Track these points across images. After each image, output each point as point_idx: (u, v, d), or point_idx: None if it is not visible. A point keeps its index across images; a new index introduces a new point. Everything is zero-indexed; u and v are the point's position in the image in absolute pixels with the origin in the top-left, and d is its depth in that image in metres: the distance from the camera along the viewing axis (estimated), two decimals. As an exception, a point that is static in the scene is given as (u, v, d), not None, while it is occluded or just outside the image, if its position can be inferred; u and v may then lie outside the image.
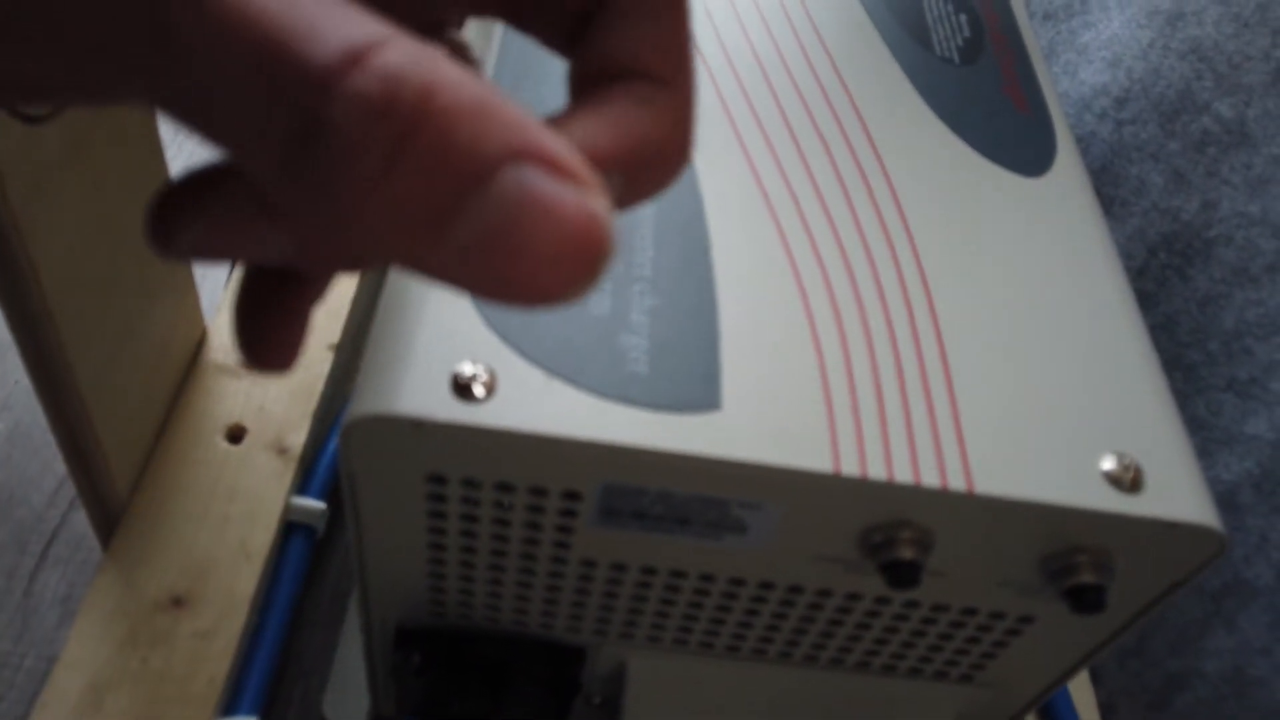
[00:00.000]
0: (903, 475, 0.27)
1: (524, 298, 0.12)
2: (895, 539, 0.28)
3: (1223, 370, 0.43)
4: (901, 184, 0.35)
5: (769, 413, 0.27)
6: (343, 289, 0.57)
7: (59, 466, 0.55)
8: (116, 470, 0.45)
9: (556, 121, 0.15)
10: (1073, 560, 0.29)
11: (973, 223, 0.34)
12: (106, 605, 0.44)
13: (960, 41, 0.41)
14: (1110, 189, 0.52)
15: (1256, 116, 0.43)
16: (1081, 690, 0.49)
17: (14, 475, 0.55)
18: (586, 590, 0.32)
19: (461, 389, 0.26)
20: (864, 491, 0.27)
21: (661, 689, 0.36)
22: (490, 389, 0.27)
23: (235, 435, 0.50)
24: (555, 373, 0.27)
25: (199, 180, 0.15)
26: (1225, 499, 0.42)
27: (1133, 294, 0.33)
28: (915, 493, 0.27)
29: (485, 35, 0.37)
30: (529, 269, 0.12)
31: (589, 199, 0.12)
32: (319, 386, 0.53)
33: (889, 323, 0.30)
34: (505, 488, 0.28)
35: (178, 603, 0.44)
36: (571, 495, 0.28)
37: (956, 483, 0.27)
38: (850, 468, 0.27)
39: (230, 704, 0.43)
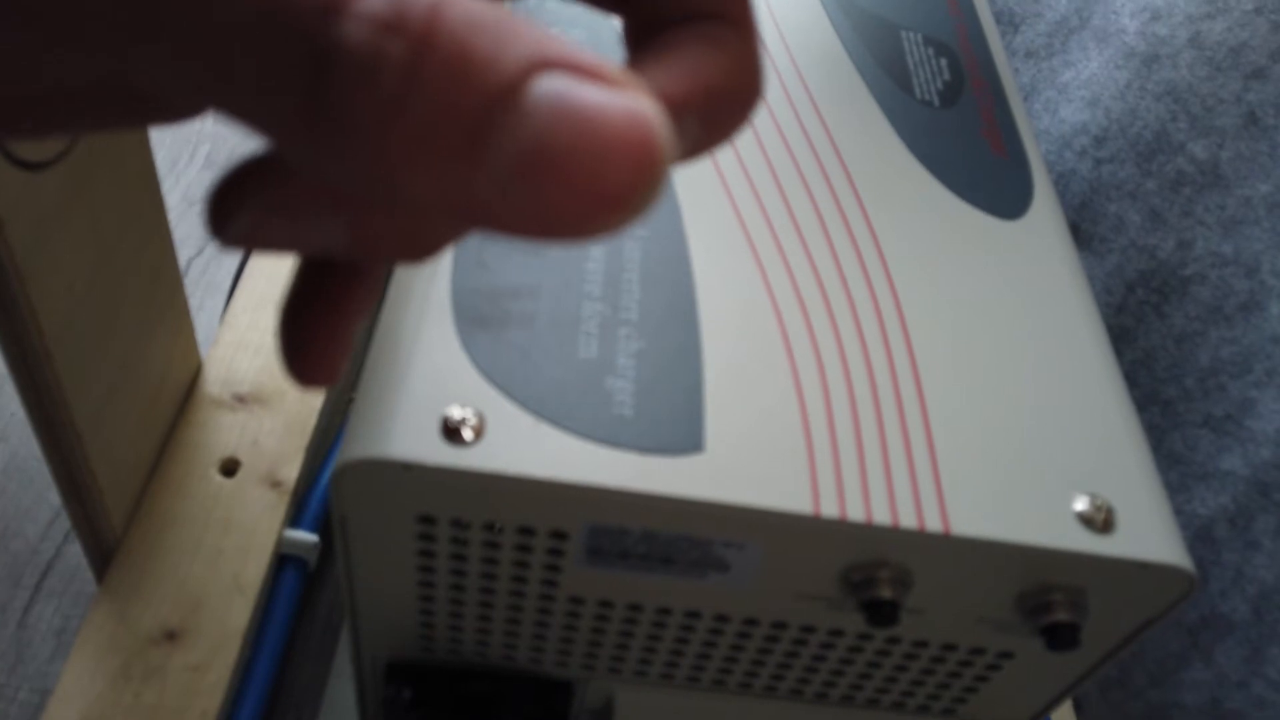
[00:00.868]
0: (881, 517, 0.28)
1: (577, 224, 0.11)
2: (874, 578, 0.29)
3: (1199, 406, 0.44)
4: (882, 228, 0.36)
5: (751, 455, 0.28)
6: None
7: (54, 498, 0.55)
8: (111, 504, 0.45)
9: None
10: (1048, 598, 0.29)
11: (951, 266, 0.35)
12: (100, 639, 0.44)
13: (940, 85, 0.42)
14: (1090, 225, 0.54)
15: (1229, 158, 0.44)
16: (1066, 720, 0.49)
17: (9, 507, 0.56)
18: (574, 627, 0.33)
19: (450, 432, 0.27)
20: (843, 532, 0.28)
21: (648, 723, 0.37)
22: (479, 432, 0.27)
23: (229, 469, 0.51)
24: (542, 416, 0.28)
25: (254, 167, 0.14)
26: (1201, 534, 0.43)
27: (1107, 336, 0.34)
28: (893, 534, 0.28)
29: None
30: (578, 188, 0.11)
31: (632, 100, 0.11)
32: (312, 420, 0.53)
33: (869, 366, 0.31)
34: (493, 528, 0.29)
35: (171, 636, 0.45)
36: (559, 535, 0.29)
37: (933, 524, 0.28)
38: (830, 509, 0.28)
39: (222, 737, 0.43)
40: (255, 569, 0.47)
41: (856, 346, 0.32)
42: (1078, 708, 0.52)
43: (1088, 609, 0.29)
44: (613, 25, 0.40)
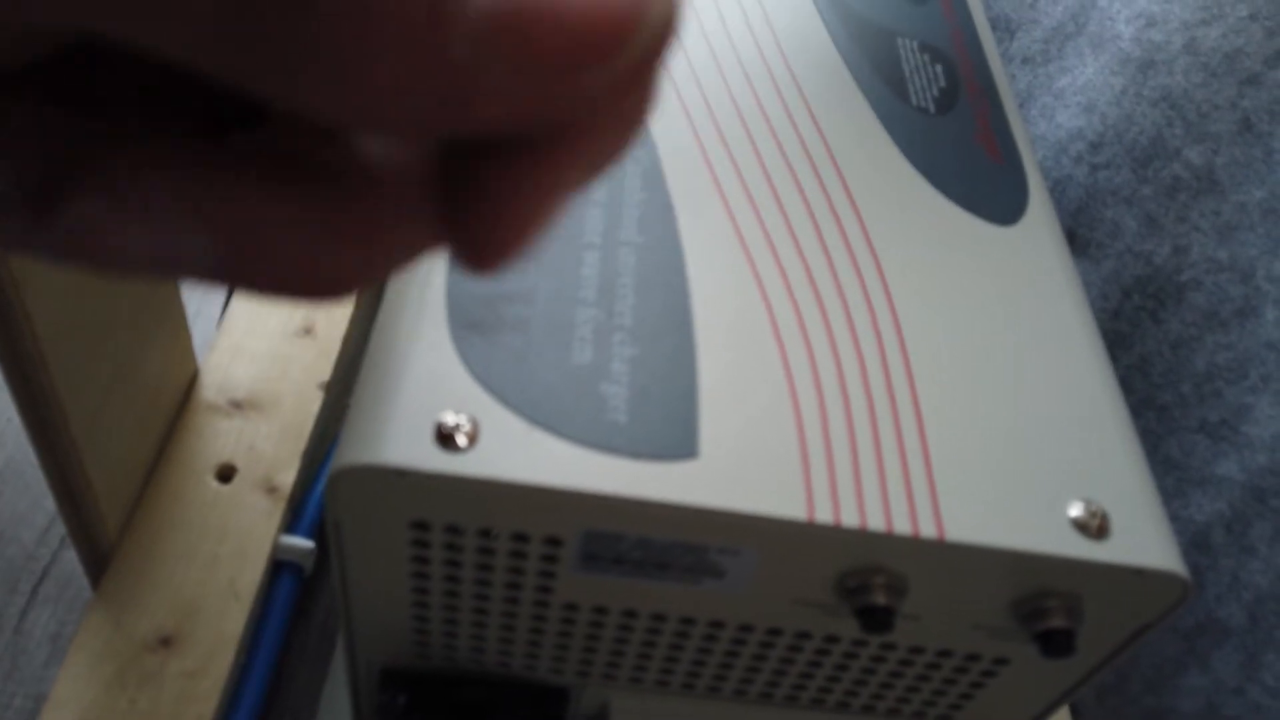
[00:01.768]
0: (875, 523, 0.28)
1: (574, 68, 0.09)
2: (869, 584, 0.29)
3: (1195, 412, 0.44)
4: (877, 234, 0.36)
5: (745, 461, 0.28)
6: (333, 328, 0.58)
7: (50, 504, 0.55)
8: (107, 510, 0.45)
9: None
10: (1043, 605, 0.29)
11: (946, 271, 0.35)
12: (95, 645, 0.44)
13: (936, 91, 0.42)
14: (1086, 231, 0.54)
15: (1224, 164, 0.44)
16: (1063, 727, 0.49)
17: (5, 513, 0.56)
18: (569, 633, 0.33)
19: (445, 438, 0.27)
20: (838, 538, 0.28)
21: (644, 729, 0.37)
22: (473, 438, 0.27)
23: (225, 475, 0.51)
24: (536, 422, 0.28)
25: (97, 139, 0.12)
26: (1198, 540, 0.43)
27: (1102, 342, 0.34)
28: (888, 540, 0.28)
29: None
30: (566, 17, 0.09)
31: None
32: (309, 425, 0.53)
33: (863, 372, 0.31)
34: (488, 534, 0.29)
35: (166, 643, 0.45)
36: (553, 541, 0.29)
37: (928, 530, 0.28)
38: (824, 515, 0.28)
39: (217, 744, 0.43)
40: (251, 575, 0.47)
41: (851, 352, 0.32)
42: (1075, 714, 0.51)
43: (1083, 615, 0.29)
44: None
